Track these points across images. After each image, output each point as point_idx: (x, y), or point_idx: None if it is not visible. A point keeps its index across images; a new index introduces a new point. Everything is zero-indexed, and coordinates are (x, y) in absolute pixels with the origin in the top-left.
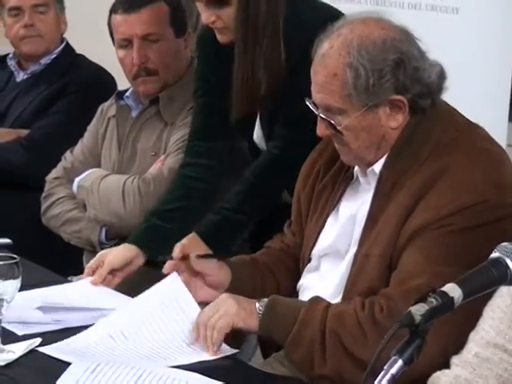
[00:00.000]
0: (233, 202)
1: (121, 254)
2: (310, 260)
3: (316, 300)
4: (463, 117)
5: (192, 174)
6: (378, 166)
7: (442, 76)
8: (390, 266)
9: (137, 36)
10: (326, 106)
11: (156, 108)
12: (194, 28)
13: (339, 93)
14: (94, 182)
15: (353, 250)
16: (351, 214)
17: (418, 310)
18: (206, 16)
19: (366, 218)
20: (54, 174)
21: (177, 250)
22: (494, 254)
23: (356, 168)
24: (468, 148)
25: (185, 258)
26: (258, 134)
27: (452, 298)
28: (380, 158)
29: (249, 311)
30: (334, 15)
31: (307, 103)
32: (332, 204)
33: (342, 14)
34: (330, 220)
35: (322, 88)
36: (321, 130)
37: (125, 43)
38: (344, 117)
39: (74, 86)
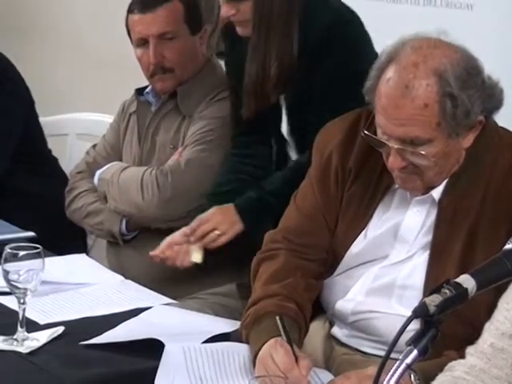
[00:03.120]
0: (274, 184)
1: None
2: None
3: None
4: (506, 130)
5: (241, 160)
6: (436, 193)
7: (502, 90)
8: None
9: (152, 35)
10: (412, 138)
11: (174, 102)
12: (215, 23)
13: (430, 123)
14: (113, 174)
15: (401, 262)
16: (390, 225)
17: (433, 301)
18: (226, 9)
19: (430, 249)
20: (77, 168)
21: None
22: (508, 246)
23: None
24: None
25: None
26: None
27: (466, 289)
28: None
29: None
30: (345, 18)
31: (374, 139)
32: (367, 216)
33: (354, 15)
34: (365, 231)
35: (407, 121)
36: (397, 162)
37: (141, 42)
38: (428, 146)
39: None
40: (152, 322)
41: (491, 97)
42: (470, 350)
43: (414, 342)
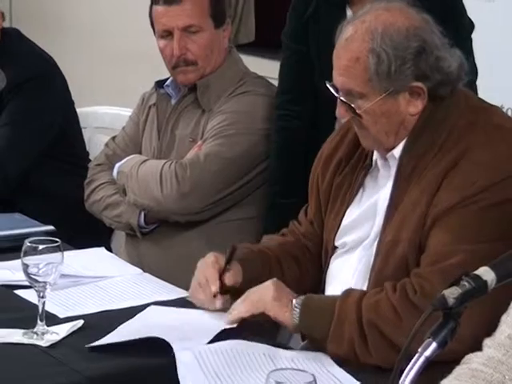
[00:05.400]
0: None
1: None
2: (334, 249)
3: (348, 293)
4: (479, 99)
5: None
6: (397, 151)
7: (461, 66)
8: (419, 249)
9: (177, 28)
10: (347, 89)
11: (194, 95)
12: (233, 17)
13: (361, 77)
14: (133, 168)
15: (375, 236)
16: (371, 202)
17: (452, 294)
18: None
19: (387, 204)
20: (96, 160)
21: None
22: None
23: (375, 156)
24: (486, 127)
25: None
26: None
27: (485, 282)
28: (399, 143)
29: (284, 304)
30: None
31: (328, 86)
32: (352, 194)
33: None
34: (350, 209)
35: (343, 72)
36: (341, 112)
37: (165, 34)
38: (364, 101)
39: (9, 87)
40: (153, 323)
41: (437, 70)
42: (487, 341)
43: (433, 334)
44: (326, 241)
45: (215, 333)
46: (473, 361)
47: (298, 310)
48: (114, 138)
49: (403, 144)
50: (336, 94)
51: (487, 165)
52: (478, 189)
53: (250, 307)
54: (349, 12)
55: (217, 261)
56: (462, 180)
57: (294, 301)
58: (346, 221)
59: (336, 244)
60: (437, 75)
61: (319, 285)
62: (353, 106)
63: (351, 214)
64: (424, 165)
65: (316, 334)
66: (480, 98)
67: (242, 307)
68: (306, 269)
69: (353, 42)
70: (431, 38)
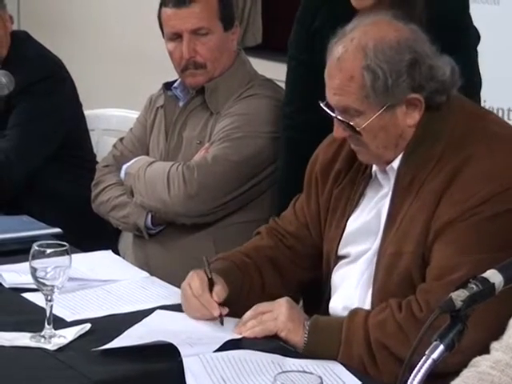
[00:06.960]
0: None
1: None
2: (337, 259)
3: (355, 313)
4: (474, 105)
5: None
6: (396, 163)
7: (454, 71)
8: (423, 262)
9: (187, 30)
10: (343, 108)
11: (202, 98)
12: (240, 19)
13: (356, 95)
14: (140, 169)
15: (377, 248)
16: (374, 213)
17: (459, 296)
18: None
19: (386, 215)
20: (104, 162)
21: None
22: None
23: (374, 167)
24: (483, 136)
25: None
26: None
27: (493, 284)
28: (398, 155)
29: (297, 326)
30: None
31: (322, 106)
32: (352, 205)
33: None
34: (352, 220)
35: (338, 91)
36: (338, 132)
37: (174, 37)
38: (362, 118)
39: (18, 90)
40: (160, 328)
41: (431, 78)
42: (494, 344)
43: (441, 337)
44: (326, 251)
45: (222, 341)
46: (480, 364)
47: (307, 331)
48: (121, 139)
49: (401, 156)
50: (332, 114)
51: (486, 176)
52: (478, 200)
53: (265, 329)
54: None
55: (200, 278)
56: (462, 193)
57: (305, 322)
58: (348, 231)
59: (340, 254)
60: (432, 84)
61: (308, 287)
62: (352, 123)
63: (354, 224)
64: (423, 176)
65: (325, 353)
66: (475, 104)
67: (258, 330)
68: (289, 271)
69: (345, 61)
70: (422, 48)
